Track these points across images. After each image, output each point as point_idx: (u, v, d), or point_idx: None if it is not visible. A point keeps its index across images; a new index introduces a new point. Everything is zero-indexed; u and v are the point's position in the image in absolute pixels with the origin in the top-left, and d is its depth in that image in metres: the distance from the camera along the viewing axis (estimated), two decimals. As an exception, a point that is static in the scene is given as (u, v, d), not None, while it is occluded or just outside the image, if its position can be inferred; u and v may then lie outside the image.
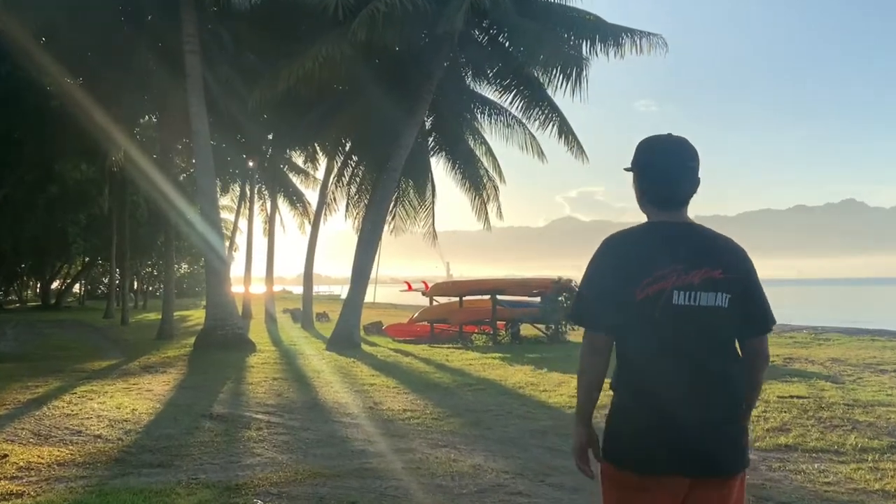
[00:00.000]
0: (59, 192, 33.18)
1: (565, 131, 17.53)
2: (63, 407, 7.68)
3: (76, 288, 60.24)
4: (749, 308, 2.05)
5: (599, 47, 15.20)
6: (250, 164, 30.59)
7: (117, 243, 31.42)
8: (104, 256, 39.85)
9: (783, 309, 13.17)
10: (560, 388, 8.47)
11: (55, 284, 55.21)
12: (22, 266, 48.25)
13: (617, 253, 2.06)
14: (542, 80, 16.85)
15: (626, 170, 2.18)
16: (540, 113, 17.80)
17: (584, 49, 15.29)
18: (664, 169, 2.09)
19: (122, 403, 7.90)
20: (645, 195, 2.13)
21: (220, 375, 10.43)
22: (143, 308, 46.83)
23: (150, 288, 58.66)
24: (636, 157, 2.15)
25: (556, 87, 16.11)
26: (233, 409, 7.61)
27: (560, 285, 17.52)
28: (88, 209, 37.07)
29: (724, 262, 2.02)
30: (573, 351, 13.82)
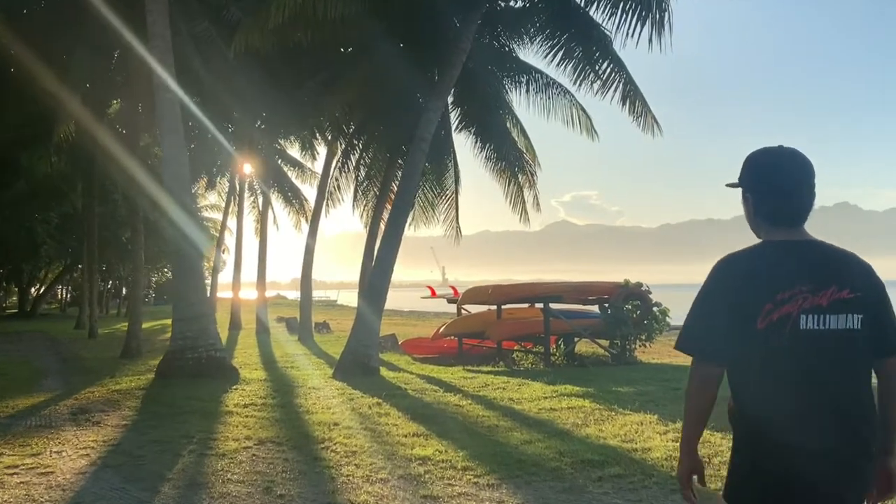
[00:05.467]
0: (26, 188, 29.77)
1: (631, 95, 13.81)
2: None
3: (61, 294, 56.43)
4: (884, 328, 1.85)
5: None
6: (239, 154, 26.93)
7: (89, 245, 27.73)
8: (82, 260, 36.18)
9: None
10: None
11: (34, 290, 51.32)
12: (1, 271, 44.45)
13: (732, 276, 1.84)
14: (604, 28, 13.20)
15: (731, 185, 1.98)
16: (595, 77, 14.12)
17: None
18: (782, 183, 1.90)
19: (-29, 516, 4.23)
20: (760, 212, 1.93)
21: (176, 433, 6.71)
22: (124, 316, 43.08)
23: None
24: (748, 172, 1.96)
25: (627, 34, 12.47)
26: (175, 535, 3.93)
27: (628, 291, 13.89)
28: (60, 207, 33.57)
29: (852, 281, 1.82)
30: (674, 380, 10.11)
